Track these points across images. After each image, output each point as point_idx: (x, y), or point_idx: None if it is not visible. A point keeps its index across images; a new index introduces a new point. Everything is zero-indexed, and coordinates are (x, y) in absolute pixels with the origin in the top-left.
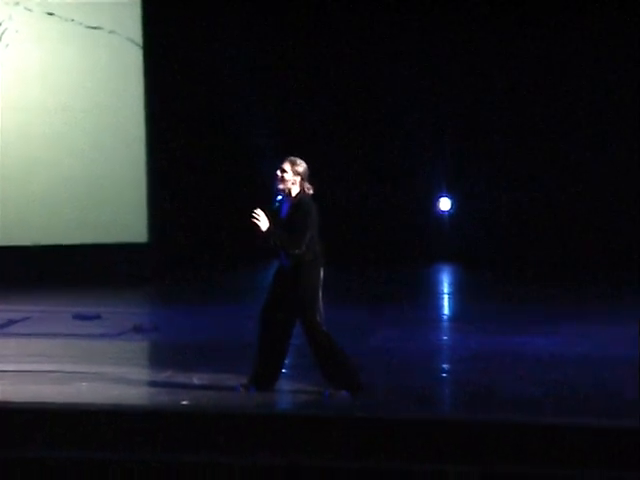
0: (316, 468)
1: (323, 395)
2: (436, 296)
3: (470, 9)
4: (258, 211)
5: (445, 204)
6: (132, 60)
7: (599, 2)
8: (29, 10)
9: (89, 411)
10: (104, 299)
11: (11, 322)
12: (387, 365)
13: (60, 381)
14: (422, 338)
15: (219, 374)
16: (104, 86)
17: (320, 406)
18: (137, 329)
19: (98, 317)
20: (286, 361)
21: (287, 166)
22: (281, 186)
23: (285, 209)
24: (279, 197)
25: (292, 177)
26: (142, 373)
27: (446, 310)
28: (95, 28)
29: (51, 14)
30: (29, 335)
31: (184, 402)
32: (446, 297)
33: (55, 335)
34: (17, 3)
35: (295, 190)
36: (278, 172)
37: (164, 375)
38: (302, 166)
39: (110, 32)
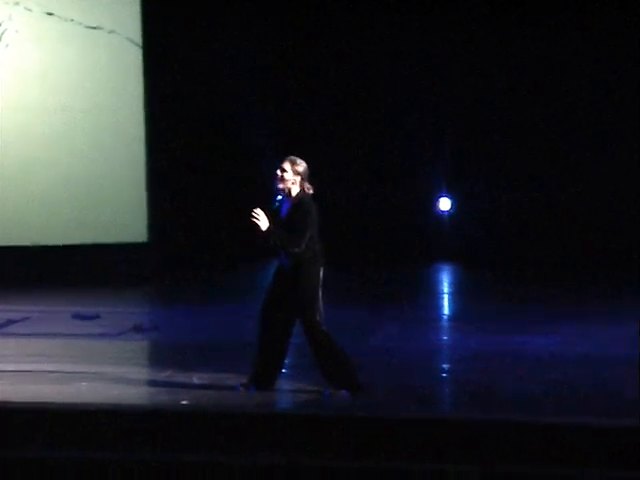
0: (316, 468)
1: (323, 395)
2: (436, 296)
3: (470, 9)
4: (258, 211)
5: (445, 204)
6: (132, 60)
7: (599, 2)
8: (29, 10)
9: (89, 411)
10: (104, 299)
11: (11, 322)
12: (387, 365)
13: (60, 381)
14: (422, 338)
15: (219, 374)
16: (104, 86)
17: (320, 406)
18: (137, 329)
19: (98, 317)
20: (286, 361)
21: (287, 166)
22: (281, 186)
23: (285, 209)
24: (279, 197)
25: (292, 177)
26: (142, 373)
27: (446, 310)
28: (95, 28)
29: (51, 14)
30: (29, 335)
31: (184, 402)
32: (446, 297)
33: (55, 335)
34: (17, 3)
35: (295, 190)
36: (278, 172)
37: (164, 375)
38: (302, 166)
39: (110, 32)
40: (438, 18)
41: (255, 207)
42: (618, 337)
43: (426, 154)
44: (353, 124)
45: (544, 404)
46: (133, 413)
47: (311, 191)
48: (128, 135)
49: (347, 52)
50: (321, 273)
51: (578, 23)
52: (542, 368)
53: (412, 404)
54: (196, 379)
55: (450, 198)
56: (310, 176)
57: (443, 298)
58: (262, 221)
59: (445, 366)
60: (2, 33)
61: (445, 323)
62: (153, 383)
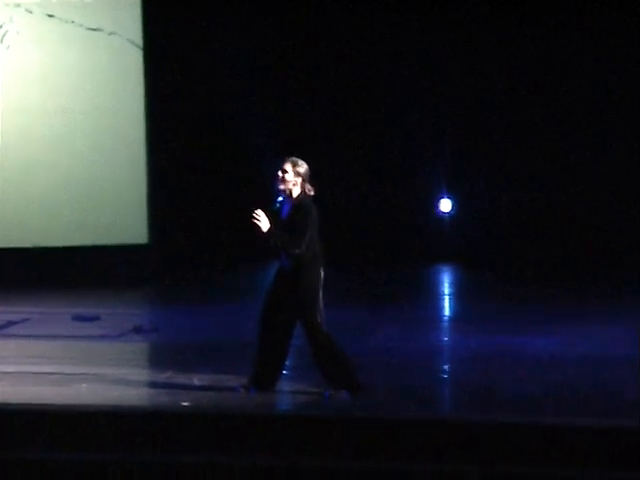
0: (316, 468)
1: (323, 396)
2: (436, 296)
3: (470, 9)
4: (258, 211)
5: (446, 205)
6: (132, 61)
7: (599, 2)
8: (30, 12)
9: (89, 412)
10: (104, 300)
11: (11, 323)
12: (387, 365)
13: (60, 382)
14: (422, 338)
15: (219, 375)
16: (104, 88)
17: (320, 407)
18: (137, 330)
19: (98, 318)
20: (286, 362)
21: (288, 167)
22: (282, 187)
23: (286, 210)
24: (280, 198)
25: (293, 178)
26: (142, 374)
27: (446, 310)
28: (95, 30)
29: (51, 16)
30: (29, 336)
31: (184, 403)
32: (446, 297)
33: (55, 336)
34: (18, 5)
35: (296, 191)
36: (279, 173)
37: (164, 376)
38: (303, 167)
39: (110, 34)
40: (438, 18)
41: (255, 207)
42: (618, 337)
43: (426, 154)
44: (353, 124)
45: (544, 404)
46: (133, 414)
47: (312, 192)
48: (128, 137)
49: (347, 52)
50: (321, 274)
51: (578, 23)
52: (542, 368)
53: (412, 404)
54: (196, 380)
55: (450, 198)
56: (311, 177)
57: (443, 298)
58: (263, 222)
59: (445, 366)
60: (3, 35)
61: (445, 323)
62: (153, 384)
